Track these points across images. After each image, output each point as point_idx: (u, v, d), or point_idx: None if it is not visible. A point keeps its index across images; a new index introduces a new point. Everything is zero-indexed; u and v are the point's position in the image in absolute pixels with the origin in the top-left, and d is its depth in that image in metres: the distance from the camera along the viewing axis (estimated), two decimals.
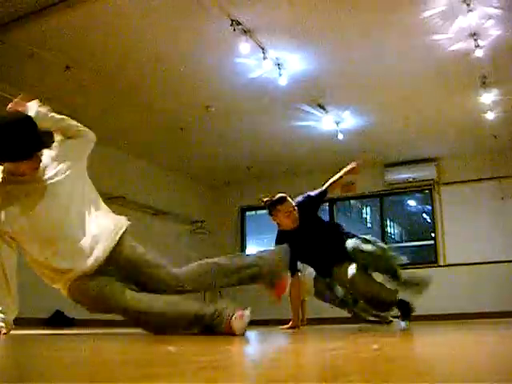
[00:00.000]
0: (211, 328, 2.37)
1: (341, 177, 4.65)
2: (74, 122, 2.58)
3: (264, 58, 5.08)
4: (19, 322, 2.52)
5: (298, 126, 6.97)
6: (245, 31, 4.70)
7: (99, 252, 2.29)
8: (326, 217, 9.50)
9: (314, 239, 4.11)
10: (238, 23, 4.58)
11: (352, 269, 3.81)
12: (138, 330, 2.62)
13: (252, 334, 3.17)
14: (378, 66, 5.45)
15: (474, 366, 1.14)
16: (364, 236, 4.05)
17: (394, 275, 3.83)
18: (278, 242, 4.06)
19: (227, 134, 7.35)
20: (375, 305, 3.91)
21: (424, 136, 7.46)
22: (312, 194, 4.47)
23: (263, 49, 5.01)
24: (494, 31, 4.73)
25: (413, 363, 1.28)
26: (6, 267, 2.38)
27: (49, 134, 2.53)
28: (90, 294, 2.27)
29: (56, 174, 2.37)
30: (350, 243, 3.91)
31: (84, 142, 2.58)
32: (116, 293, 2.28)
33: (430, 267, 8.02)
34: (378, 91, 6.06)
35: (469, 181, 8.06)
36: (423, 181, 8.31)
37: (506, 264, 7.43)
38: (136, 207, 7.52)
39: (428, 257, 8.57)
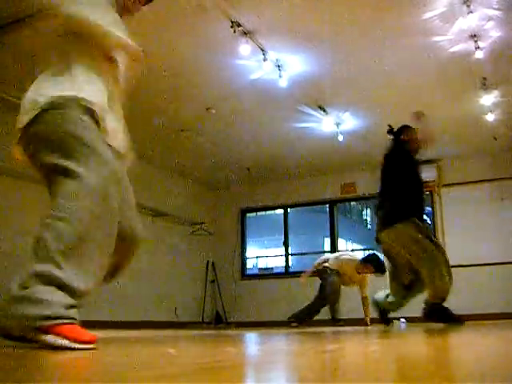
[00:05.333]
0: None
1: None
2: None
3: (264, 60, 5.08)
4: None
5: (298, 128, 6.97)
6: (245, 33, 4.70)
7: None
8: (326, 218, 9.51)
9: None
10: (239, 25, 4.58)
11: None
12: (138, 333, 2.61)
13: (252, 336, 3.17)
14: (378, 67, 5.45)
15: (472, 367, 1.14)
16: None
17: None
18: None
19: (228, 136, 7.35)
20: None
21: None
22: None
23: (263, 50, 5.01)
24: (494, 33, 4.73)
25: (412, 364, 1.27)
26: None
27: None
28: None
29: None
30: None
31: None
32: None
33: None
34: (378, 93, 6.06)
35: (469, 182, 8.05)
36: (423, 182, 8.28)
37: (506, 265, 7.42)
38: (136, 209, 7.50)
39: None
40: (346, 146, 7.44)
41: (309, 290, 6.77)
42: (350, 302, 6.71)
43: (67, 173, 1.87)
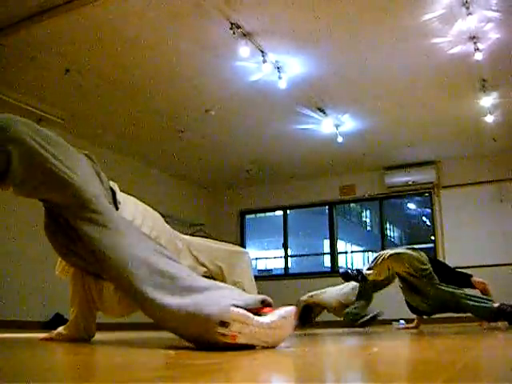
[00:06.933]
0: None
1: None
2: None
3: (264, 62, 5.08)
4: (19, 325, 2.52)
5: (297, 129, 6.97)
6: (244, 34, 4.70)
7: None
8: (325, 220, 9.51)
9: None
10: (238, 26, 4.58)
11: None
12: (138, 335, 2.61)
13: None
14: (378, 69, 5.45)
15: (470, 369, 1.14)
16: None
17: None
18: None
19: (227, 137, 7.35)
20: None
21: (423, 139, 7.47)
22: None
23: (263, 52, 5.01)
24: (493, 34, 4.74)
25: (411, 365, 1.27)
26: None
27: None
28: None
29: None
30: None
31: None
32: None
33: None
34: (377, 94, 6.06)
35: (468, 184, 8.05)
36: (423, 184, 8.30)
37: (505, 267, 7.42)
38: None
39: None
40: (346, 148, 7.44)
41: (308, 291, 6.76)
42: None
43: None
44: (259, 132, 7.16)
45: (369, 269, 4.84)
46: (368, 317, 6.03)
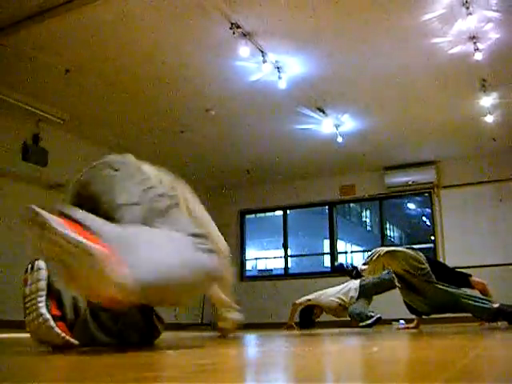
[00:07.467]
0: None
1: None
2: None
3: (264, 62, 5.08)
4: (18, 325, 2.52)
5: (297, 129, 6.97)
6: (244, 34, 4.70)
7: None
8: (325, 220, 9.51)
9: None
10: (238, 26, 4.58)
11: None
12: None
13: (251, 337, 3.17)
14: (377, 69, 5.45)
15: (470, 369, 1.14)
16: None
17: None
18: None
19: (227, 137, 7.35)
20: None
21: (423, 139, 7.47)
22: None
23: (263, 52, 5.01)
24: (493, 34, 4.74)
25: (411, 365, 1.27)
26: None
27: None
28: None
29: None
30: None
31: None
32: None
33: None
34: (377, 95, 6.06)
35: (468, 184, 8.05)
36: (423, 184, 8.30)
37: (505, 267, 7.42)
38: None
39: None
40: (346, 148, 7.44)
41: (308, 291, 6.77)
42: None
43: None
44: (259, 132, 7.15)
45: (364, 264, 4.84)
46: (371, 321, 6.04)
